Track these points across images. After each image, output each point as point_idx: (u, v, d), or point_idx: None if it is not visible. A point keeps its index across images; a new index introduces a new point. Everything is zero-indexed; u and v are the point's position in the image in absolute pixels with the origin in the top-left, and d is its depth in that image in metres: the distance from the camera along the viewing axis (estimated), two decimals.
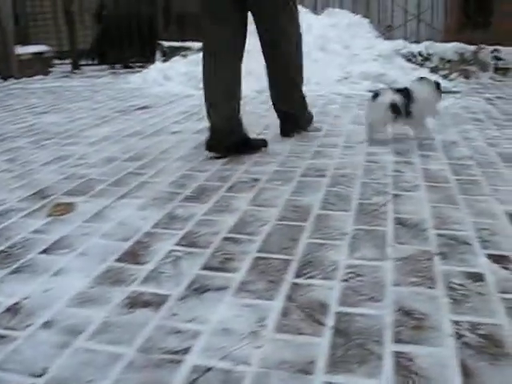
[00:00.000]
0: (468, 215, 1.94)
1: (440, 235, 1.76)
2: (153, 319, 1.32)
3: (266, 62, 3.12)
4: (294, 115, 3.27)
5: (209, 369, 1.13)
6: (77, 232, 1.89)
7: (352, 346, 1.19)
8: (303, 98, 3.29)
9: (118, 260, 1.65)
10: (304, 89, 3.28)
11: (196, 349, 1.20)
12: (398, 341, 1.21)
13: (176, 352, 1.19)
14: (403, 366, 1.12)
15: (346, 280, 1.48)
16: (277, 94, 3.21)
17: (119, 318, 1.33)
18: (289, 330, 1.26)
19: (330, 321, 1.29)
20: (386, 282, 1.46)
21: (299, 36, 3.15)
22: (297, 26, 3.11)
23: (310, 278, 1.49)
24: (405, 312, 1.32)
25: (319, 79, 5.17)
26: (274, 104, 3.25)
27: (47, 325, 1.31)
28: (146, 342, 1.23)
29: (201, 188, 2.30)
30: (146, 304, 1.39)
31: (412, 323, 1.27)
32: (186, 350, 1.19)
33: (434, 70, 6.05)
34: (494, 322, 1.28)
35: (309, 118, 3.38)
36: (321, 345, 1.20)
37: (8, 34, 7.26)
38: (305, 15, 6.24)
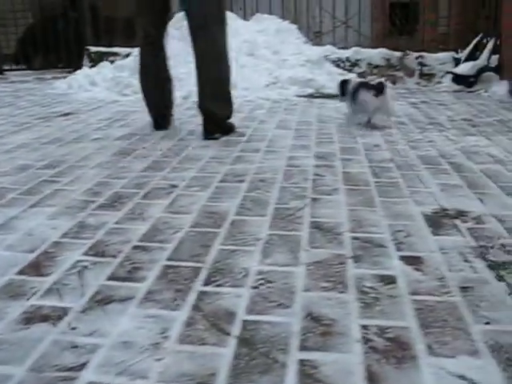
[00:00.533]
0: (385, 217, 1.94)
1: (355, 238, 1.75)
2: (50, 334, 1.24)
3: (196, 65, 3.25)
4: (217, 116, 3.28)
5: None
6: None
7: (256, 356, 1.15)
8: (231, 103, 3.31)
9: (20, 272, 1.56)
10: (232, 94, 3.33)
11: (92, 364, 1.13)
12: (303, 348, 1.17)
13: (70, 369, 1.12)
14: (307, 374, 1.09)
15: (255, 287, 1.44)
16: (204, 94, 3.27)
17: (12, 335, 1.25)
18: (192, 340, 1.20)
19: (236, 330, 1.24)
20: (297, 288, 1.43)
21: (227, 41, 3.27)
22: (225, 32, 3.24)
23: (219, 285, 1.45)
24: (313, 318, 1.29)
25: (247, 84, 5.15)
26: (199, 104, 3.28)
27: None
28: (39, 359, 1.16)
29: (116, 195, 2.23)
30: (45, 318, 1.31)
31: (320, 329, 1.24)
32: (81, 366, 1.12)
33: (361, 75, 6.14)
34: (402, 325, 1.26)
35: (232, 125, 3.39)
36: (224, 355, 1.15)
37: None
38: (233, 21, 6.23)
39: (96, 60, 6.88)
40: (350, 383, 1.07)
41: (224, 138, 3.24)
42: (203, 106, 3.26)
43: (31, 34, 8.63)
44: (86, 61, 7.07)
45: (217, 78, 3.24)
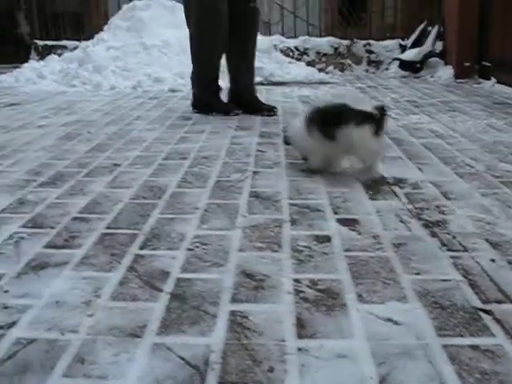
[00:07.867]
0: (324, 186, 1.97)
1: (293, 205, 1.78)
2: None
3: None
4: None
5: (33, 340, 1.06)
6: None
7: (187, 309, 1.16)
8: None
9: None
10: None
11: (22, 323, 1.13)
12: (234, 301, 1.19)
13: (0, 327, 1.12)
14: (237, 323, 1.11)
15: (191, 249, 1.45)
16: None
17: None
18: (124, 297, 1.21)
19: (169, 287, 1.25)
20: (232, 249, 1.45)
21: None
22: None
23: (155, 249, 1.46)
24: (246, 274, 1.31)
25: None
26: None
27: None
28: None
29: (58, 174, 2.21)
30: None
31: (252, 284, 1.26)
32: (11, 325, 1.12)
33: (310, 64, 6.19)
34: (334, 278, 1.29)
35: None
36: (155, 309, 1.16)
37: None
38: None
39: (44, 53, 6.78)
40: (279, 329, 1.09)
41: (170, 122, 3.24)
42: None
43: None
44: (33, 54, 6.96)
45: None
